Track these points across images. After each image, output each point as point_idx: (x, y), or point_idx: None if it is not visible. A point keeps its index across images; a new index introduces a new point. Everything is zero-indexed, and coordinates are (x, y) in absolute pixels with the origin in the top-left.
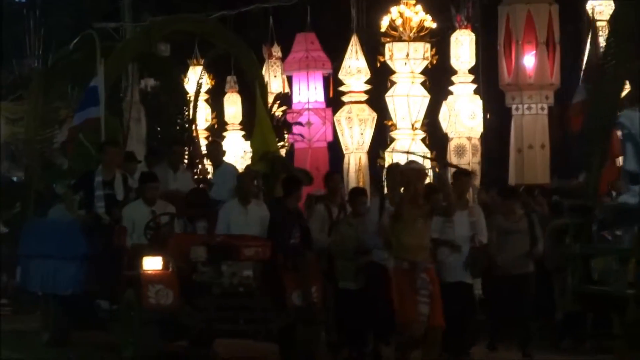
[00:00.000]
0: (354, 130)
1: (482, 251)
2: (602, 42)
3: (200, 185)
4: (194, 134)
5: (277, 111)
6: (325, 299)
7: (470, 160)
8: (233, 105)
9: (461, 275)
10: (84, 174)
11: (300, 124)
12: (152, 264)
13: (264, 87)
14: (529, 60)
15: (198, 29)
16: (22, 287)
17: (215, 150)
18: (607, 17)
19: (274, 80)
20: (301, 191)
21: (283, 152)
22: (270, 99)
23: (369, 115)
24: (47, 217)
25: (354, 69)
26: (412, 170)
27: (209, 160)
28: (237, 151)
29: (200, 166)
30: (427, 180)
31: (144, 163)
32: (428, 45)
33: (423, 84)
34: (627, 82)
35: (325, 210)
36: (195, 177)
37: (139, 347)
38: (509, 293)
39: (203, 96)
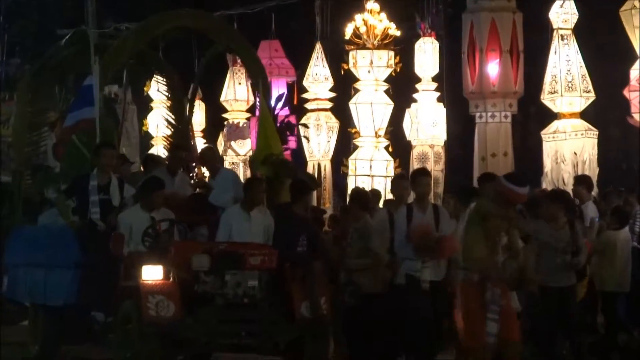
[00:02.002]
0: (321, 138)
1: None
2: (566, 51)
3: (197, 190)
4: (191, 136)
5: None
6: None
7: (432, 168)
8: (197, 113)
9: None
10: (77, 177)
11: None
12: (152, 273)
13: (266, 86)
14: (493, 68)
15: (199, 25)
16: (9, 298)
17: (212, 156)
18: (572, 26)
19: (239, 87)
20: (309, 197)
21: None
22: (237, 106)
23: (335, 123)
24: (36, 224)
25: (321, 77)
26: (518, 195)
27: (204, 166)
28: None
29: (196, 170)
30: None
31: (141, 168)
32: (392, 53)
33: (387, 91)
34: None
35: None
36: (192, 181)
37: None
38: (552, 307)
39: (166, 103)
